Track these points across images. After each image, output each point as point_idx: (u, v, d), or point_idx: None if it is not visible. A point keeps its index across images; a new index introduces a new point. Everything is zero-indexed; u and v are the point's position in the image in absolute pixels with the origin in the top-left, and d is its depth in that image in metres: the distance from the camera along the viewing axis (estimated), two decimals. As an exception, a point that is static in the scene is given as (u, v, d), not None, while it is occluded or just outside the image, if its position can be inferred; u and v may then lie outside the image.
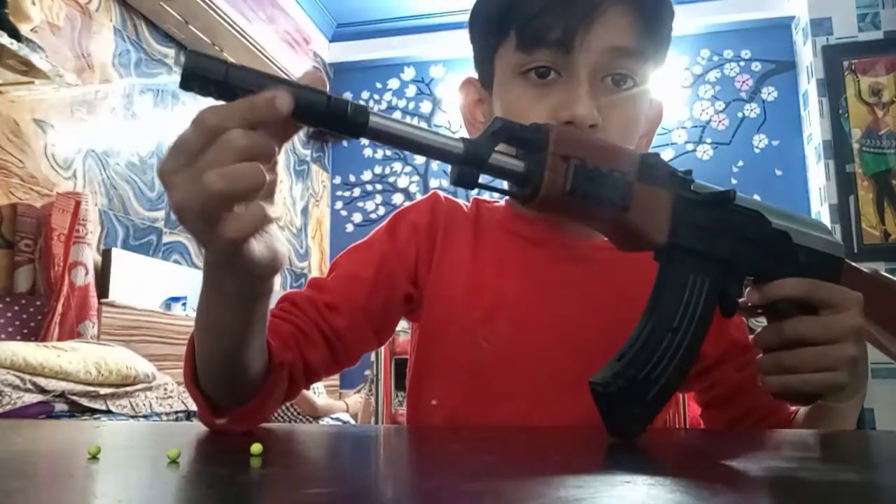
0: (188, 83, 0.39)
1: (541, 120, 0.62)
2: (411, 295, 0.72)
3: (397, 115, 4.34)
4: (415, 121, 4.33)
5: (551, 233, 0.71)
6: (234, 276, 0.47)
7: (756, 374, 0.72)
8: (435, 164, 4.18)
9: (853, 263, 0.59)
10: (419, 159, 4.22)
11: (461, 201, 0.78)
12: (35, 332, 2.12)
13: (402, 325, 0.81)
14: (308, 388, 0.63)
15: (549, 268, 0.70)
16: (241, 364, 0.52)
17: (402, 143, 0.43)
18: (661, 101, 0.74)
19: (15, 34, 2.02)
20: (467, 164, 0.44)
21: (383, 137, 0.43)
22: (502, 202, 0.78)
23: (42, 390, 1.73)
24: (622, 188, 0.47)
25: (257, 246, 0.44)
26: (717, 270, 0.51)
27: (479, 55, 0.72)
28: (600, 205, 0.47)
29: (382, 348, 1.76)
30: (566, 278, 0.70)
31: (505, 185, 0.50)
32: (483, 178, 0.46)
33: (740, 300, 0.54)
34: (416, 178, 4.28)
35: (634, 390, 0.47)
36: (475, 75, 0.75)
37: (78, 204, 2.23)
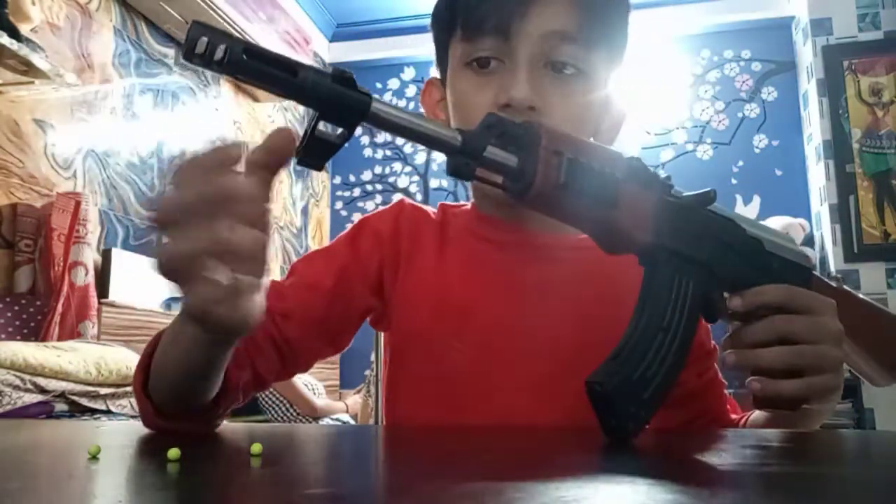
0: (191, 55, 0.38)
1: (484, 107, 0.64)
2: (371, 306, 0.72)
3: (397, 115, 4.34)
4: (415, 121, 4.33)
5: (518, 235, 0.71)
6: (201, 328, 0.44)
7: (712, 380, 0.72)
8: (435, 164, 4.18)
9: (818, 275, 0.61)
10: (419, 159, 4.22)
11: (429, 208, 0.78)
12: (35, 332, 2.12)
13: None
14: (249, 398, 0.64)
15: (518, 270, 0.70)
16: (198, 387, 0.52)
17: (402, 131, 0.43)
18: (624, 105, 0.74)
19: (15, 34, 2.02)
20: (463, 154, 0.44)
21: (383, 124, 0.43)
22: (468, 206, 0.78)
23: (42, 390, 1.73)
24: (611, 185, 0.48)
25: (224, 311, 0.40)
26: (699, 273, 0.52)
27: (437, 54, 0.74)
28: (591, 200, 0.47)
29: (382, 348, 1.76)
30: (535, 280, 0.69)
31: (498, 180, 0.50)
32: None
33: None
34: (415, 178, 4.28)
35: (630, 389, 0.47)
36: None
37: (78, 204, 2.23)
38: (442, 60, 0.73)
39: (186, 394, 0.53)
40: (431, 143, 0.44)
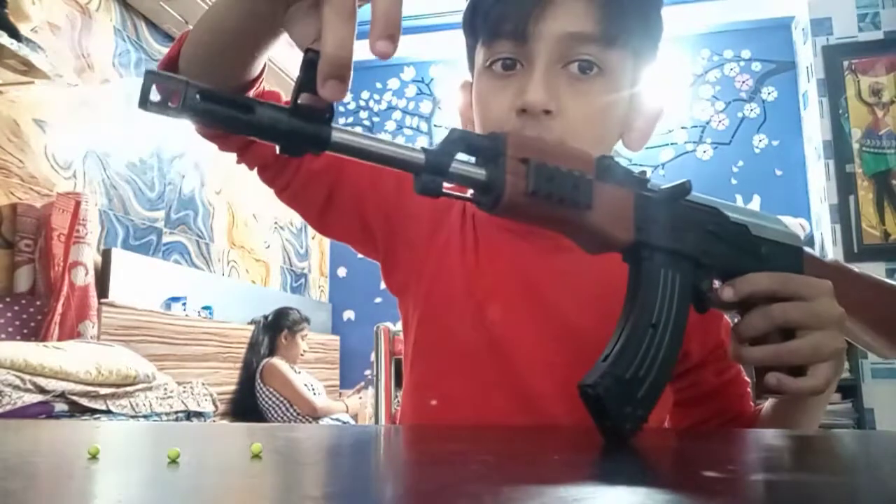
0: (146, 103, 0.38)
1: (502, 110, 0.64)
2: (370, 223, 0.73)
3: (397, 115, 4.34)
4: (415, 121, 4.34)
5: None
6: None
7: (733, 380, 0.72)
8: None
9: (811, 251, 0.60)
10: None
11: None
12: (35, 332, 2.12)
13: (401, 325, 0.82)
14: (241, 160, 0.70)
15: (538, 260, 0.71)
16: (231, 56, 0.55)
17: (365, 156, 0.43)
18: (661, 97, 0.73)
19: (15, 34, 2.02)
20: (429, 172, 0.44)
21: (346, 151, 0.43)
22: None
23: (42, 390, 1.73)
24: (583, 186, 0.47)
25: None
26: (685, 265, 0.52)
27: (468, 58, 0.74)
28: (563, 204, 0.47)
29: (382, 348, 1.76)
30: (556, 270, 0.70)
31: (470, 194, 0.50)
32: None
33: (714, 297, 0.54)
34: (416, 178, 4.28)
35: (623, 389, 0.47)
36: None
37: (78, 204, 2.24)
38: (470, 64, 0.73)
39: (218, 60, 0.55)
40: (396, 164, 0.44)
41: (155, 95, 0.38)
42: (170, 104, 0.38)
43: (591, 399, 0.47)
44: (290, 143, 0.41)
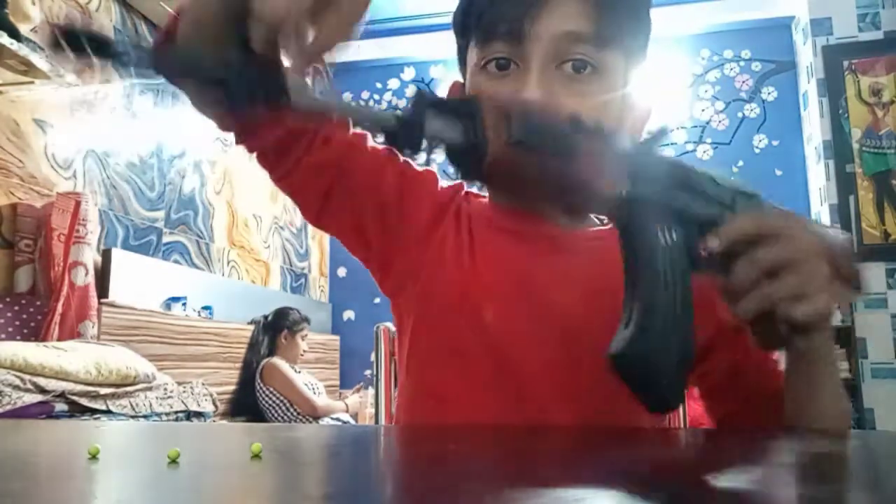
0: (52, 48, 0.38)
1: None
2: (366, 222, 0.72)
3: (397, 115, 4.34)
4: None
5: (534, 226, 0.72)
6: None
7: (745, 352, 0.71)
8: (435, 164, 4.18)
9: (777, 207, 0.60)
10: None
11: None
12: (35, 332, 2.12)
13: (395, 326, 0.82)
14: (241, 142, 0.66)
15: (534, 261, 0.71)
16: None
17: (332, 110, 0.43)
18: (649, 100, 0.73)
19: (15, 34, 2.02)
20: (405, 131, 0.44)
21: (307, 105, 0.41)
22: (486, 199, 0.78)
23: (42, 390, 1.73)
24: (566, 138, 0.46)
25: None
26: (677, 219, 0.50)
27: (459, 59, 0.74)
28: (549, 156, 0.45)
29: (382, 348, 1.76)
30: (552, 270, 0.70)
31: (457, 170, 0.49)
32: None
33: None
34: (416, 178, 4.28)
35: (655, 359, 0.46)
36: None
37: (78, 204, 2.24)
38: (462, 65, 0.73)
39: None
40: (367, 120, 0.43)
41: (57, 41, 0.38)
42: (69, 47, 0.38)
43: (626, 366, 0.45)
44: (246, 93, 0.39)
